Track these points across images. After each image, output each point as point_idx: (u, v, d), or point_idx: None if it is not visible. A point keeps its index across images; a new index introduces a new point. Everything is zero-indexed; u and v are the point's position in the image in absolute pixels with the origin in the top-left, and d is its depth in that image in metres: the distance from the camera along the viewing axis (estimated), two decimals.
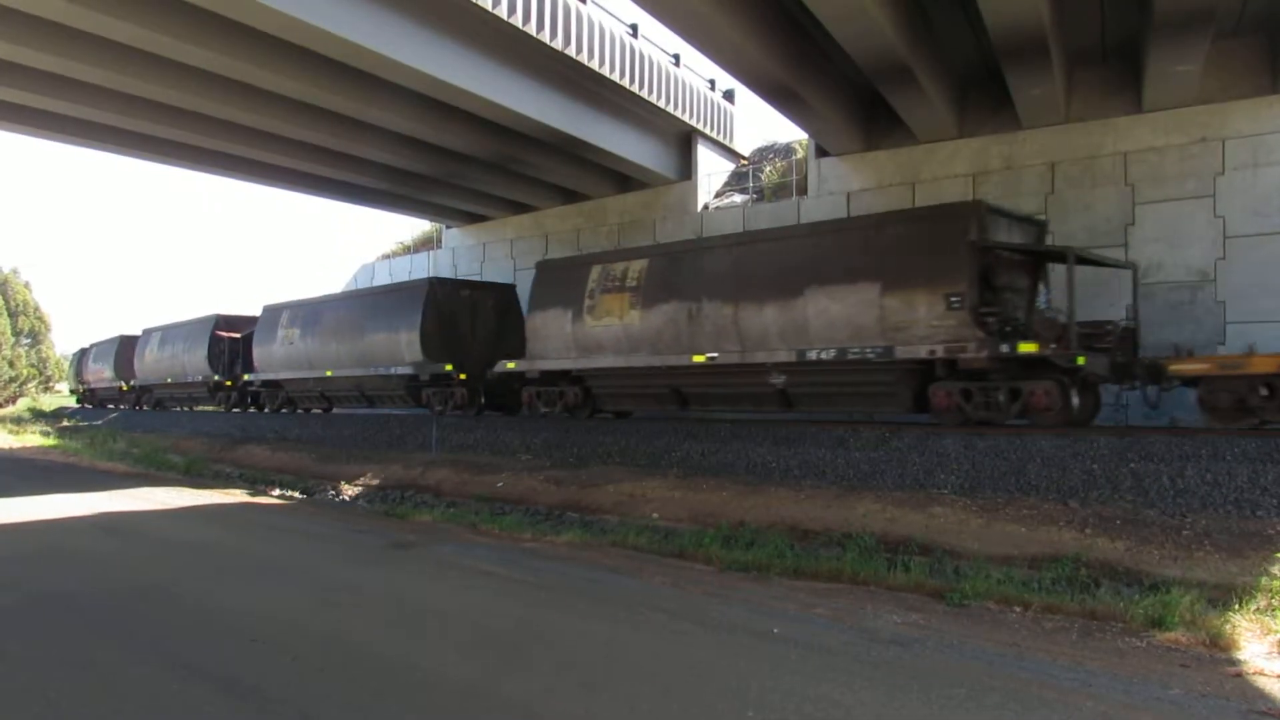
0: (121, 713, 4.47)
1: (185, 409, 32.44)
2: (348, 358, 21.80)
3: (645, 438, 14.50)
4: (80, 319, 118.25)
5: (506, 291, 21.77)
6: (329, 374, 22.36)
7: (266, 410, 26.63)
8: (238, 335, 27.83)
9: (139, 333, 34.34)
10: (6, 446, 25.54)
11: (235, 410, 28.65)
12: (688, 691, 4.74)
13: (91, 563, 8.64)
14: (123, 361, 35.25)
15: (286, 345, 24.05)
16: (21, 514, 11.61)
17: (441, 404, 20.23)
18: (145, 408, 34.93)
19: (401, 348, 20.04)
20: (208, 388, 29.09)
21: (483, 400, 19.79)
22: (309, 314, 23.70)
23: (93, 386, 39.76)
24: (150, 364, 32.30)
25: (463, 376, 19.24)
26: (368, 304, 21.99)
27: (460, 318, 20.32)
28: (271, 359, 24.74)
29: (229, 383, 27.84)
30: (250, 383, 26.48)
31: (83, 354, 41.49)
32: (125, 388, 35.47)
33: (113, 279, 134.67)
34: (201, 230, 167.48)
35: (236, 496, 14.21)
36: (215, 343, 28.19)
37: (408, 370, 20.03)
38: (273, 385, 25.62)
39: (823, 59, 16.35)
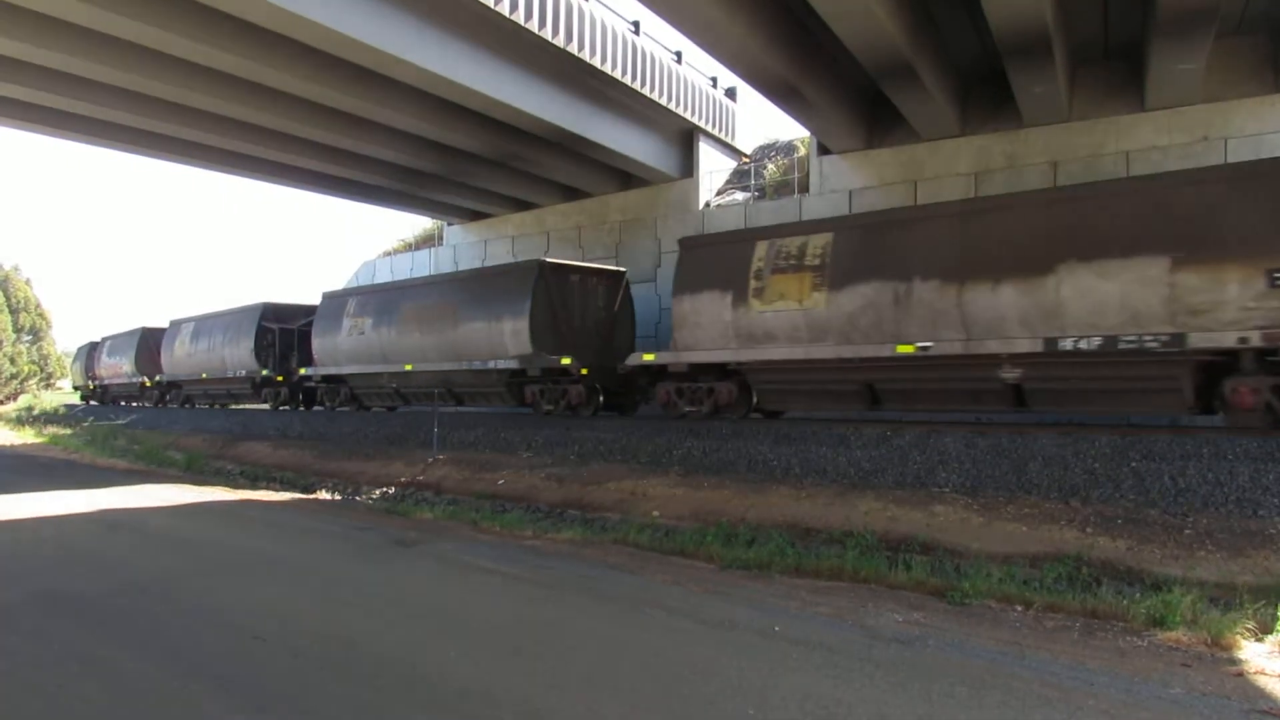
0: (122, 709, 4.48)
1: (216, 406, 30.40)
2: (434, 350, 19.51)
3: (646, 435, 14.50)
4: (81, 316, 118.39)
5: (616, 277, 19.47)
6: (408, 368, 20.18)
7: (327, 408, 24.42)
8: (291, 325, 25.78)
9: (165, 324, 32.30)
10: (7, 443, 25.56)
11: (284, 408, 26.55)
12: (689, 689, 4.73)
13: (92, 559, 8.64)
14: (145, 355, 33.15)
15: (355, 336, 21.62)
16: (22, 510, 11.62)
17: (552, 403, 18.04)
18: (172, 405, 32.51)
19: (504, 339, 17.82)
20: (252, 383, 26.53)
21: (601, 399, 17.91)
22: (383, 301, 21.25)
23: (106, 383, 37.57)
24: (181, 358, 29.93)
25: (584, 371, 17.07)
26: (461, 289, 19.48)
27: (571, 305, 18.04)
28: (335, 351, 22.43)
29: (280, 378, 25.57)
30: (307, 378, 24.22)
31: (93, 348, 39.38)
32: (148, 383, 33.10)
33: (112, 276, 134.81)
34: (201, 228, 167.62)
35: (237, 493, 14.22)
36: (263, 334, 25.80)
37: (510, 364, 17.85)
38: (334, 381, 23.46)
39: (825, 57, 16.33)
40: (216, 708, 4.48)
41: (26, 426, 33.24)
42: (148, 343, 33.27)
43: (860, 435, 12.44)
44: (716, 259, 15.20)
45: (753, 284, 14.41)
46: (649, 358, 16.00)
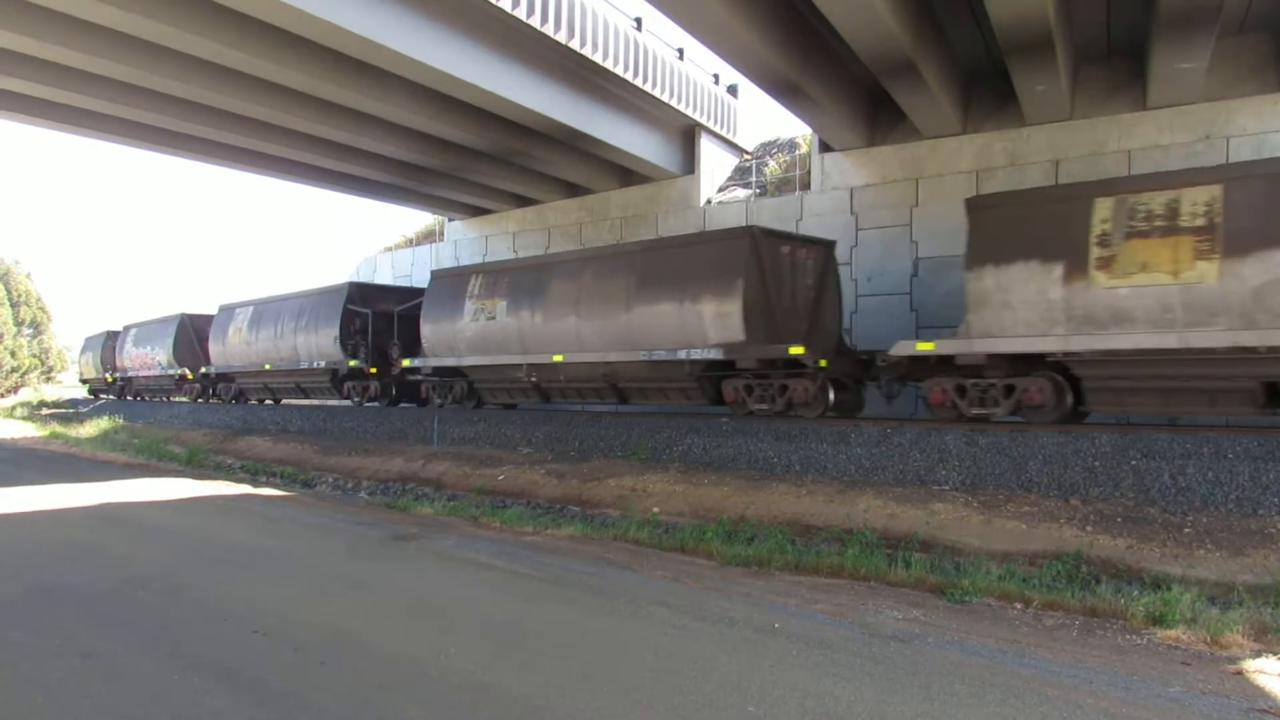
0: (123, 703, 4.48)
1: (271, 401, 27.41)
2: (595, 338, 16.38)
3: (647, 432, 14.50)
4: (81, 311, 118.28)
5: (826, 249, 15.90)
6: (557, 360, 17.00)
7: (440, 405, 20.71)
8: (386, 309, 22.52)
9: (214, 310, 28.59)
10: (8, 437, 25.59)
11: (372, 403, 22.89)
12: (689, 686, 4.74)
13: (93, 553, 8.65)
14: (186, 344, 29.58)
15: (481, 322, 18.49)
16: (23, 504, 11.63)
17: (765, 400, 14.63)
18: (220, 400, 28.99)
19: (703, 323, 14.67)
20: (332, 376, 23.09)
21: (832, 397, 14.47)
22: (523, 279, 18.11)
23: (130, 375, 33.58)
24: (236, 347, 26.20)
25: (823, 363, 13.93)
26: (638, 264, 16.07)
27: (783, 282, 14.76)
28: (453, 340, 19.18)
29: (373, 370, 22.10)
30: (411, 370, 20.88)
31: (110, 337, 35.75)
32: (189, 376, 29.40)
33: (111, 271, 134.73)
34: (199, 223, 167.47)
35: (238, 488, 14.23)
36: (350, 319, 22.15)
37: (710, 354, 14.72)
38: (449, 374, 20.28)
39: (827, 54, 16.31)
40: (217, 702, 4.49)
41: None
42: (189, 330, 29.81)
43: (860, 432, 12.44)
44: (1033, 221, 12.46)
45: (1095, 252, 11.56)
46: (925, 346, 13.03)
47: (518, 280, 18.11)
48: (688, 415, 16.32)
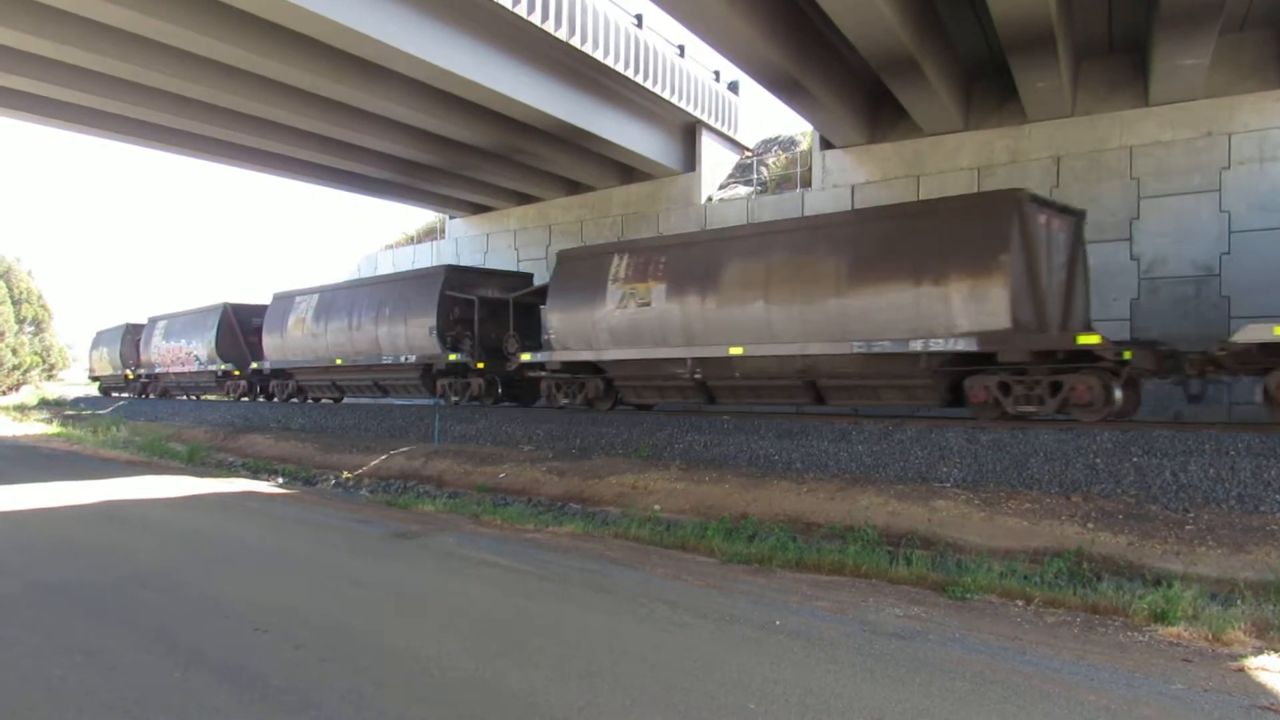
0: (124, 700, 4.48)
1: (324, 400, 24.92)
2: (790, 327, 13.91)
3: (648, 430, 14.49)
4: (82, 308, 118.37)
5: (1078, 221, 13.46)
6: (735, 352, 14.55)
7: (564, 406, 18.08)
8: (496, 296, 19.96)
9: (254, 298, 27.35)
10: (10, 434, 25.60)
11: (473, 402, 20.09)
12: (689, 683, 4.74)
13: (94, 551, 8.65)
14: (229, 337, 27.08)
15: (631, 309, 15.91)
16: (24, 502, 11.63)
17: (1033, 401, 12.13)
18: (273, 398, 26.50)
19: (951, 309, 12.31)
20: (424, 372, 20.64)
21: (1119, 398, 11.78)
22: (685, 261, 15.39)
23: (158, 371, 31.09)
24: (297, 340, 23.67)
25: (1126, 356, 11.48)
26: (855, 236, 13.55)
27: (1040, 258, 12.28)
28: (590, 331, 16.68)
29: (480, 364, 19.37)
30: (530, 366, 18.28)
31: (133, 330, 33.58)
32: (235, 373, 27.06)
33: (113, 269, 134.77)
34: (202, 221, 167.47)
35: (239, 485, 14.24)
36: (448, 307, 19.69)
37: (963, 345, 12.27)
38: (582, 369, 17.52)
39: (828, 51, 16.30)
40: (218, 699, 4.48)
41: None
42: (232, 321, 27.33)
43: (862, 430, 12.43)
44: None
45: None
46: None
47: (681, 260, 15.46)
48: (688, 413, 16.30)
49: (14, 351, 43.62)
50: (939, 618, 6.29)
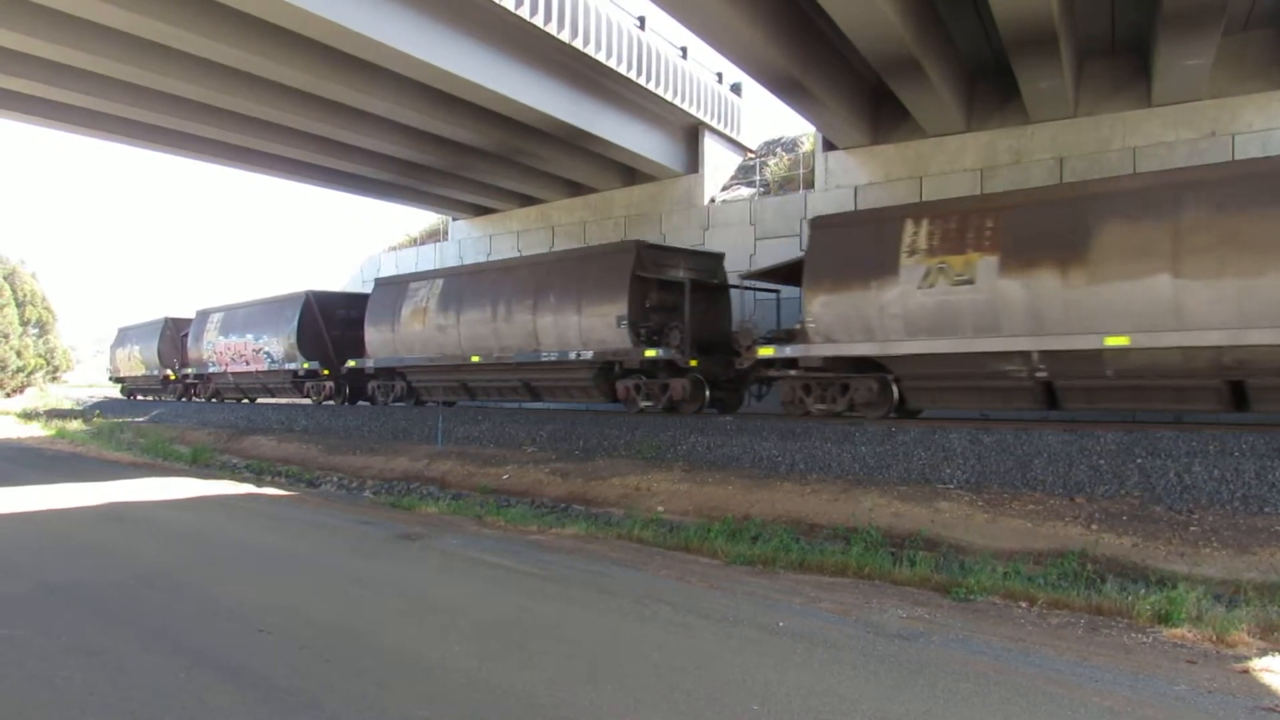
0: (129, 701, 4.49)
1: (462, 402, 21.61)
2: (1212, 307, 10.70)
3: (651, 431, 14.50)
4: (85, 311, 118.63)
5: None
6: (1115, 343, 11.36)
7: (819, 411, 14.54)
8: (710, 280, 17.24)
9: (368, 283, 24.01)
10: (15, 436, 25.66)
11: (669, 410, 16.56)
12: (693, 684, 4.74)
13: (99, 551, 8.67)
14: (311, 332, 23.69)
15: (940, 289, 12.66)
16: (30, 503, 11.65)
17: None
18: (372, 401, 23.23)
19: None
20: (602, 371, 17.20)
21: None
22: (1030, 221, 12.21)
23: (210, 371, 27.90)
24: (416, 334, 20.42)
25: None
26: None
27: None
28: (872, 319, 13.28)
29: (693, 362, 15.98)
30: (769, 363, 14.86)
31: (174, 325, 30.69)
32: (324, 372, 23.69)
33: (114, 271, 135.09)
34: (203, 223, 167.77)
35: (243, 487, 14.25)
36: (640, 292, 16.34)
37: None
38: (855, 366, 14.00)
39: (831, 52, 16.30)
40: (222, 700, 4.49)
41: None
42: (315, 313, 23.92)
43: (864, 431, 12.42)
44: None
45: None
46: None
47: (1025, 222, 12.28)
48: (691, 415, 16.26)
49: (18, 354, 43.68)
50: (942, 619, 6.28)
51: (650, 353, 16.11)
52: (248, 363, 25.82)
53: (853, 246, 13.80)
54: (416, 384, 21.68)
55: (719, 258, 18.15)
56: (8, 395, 42.75)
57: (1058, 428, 11.46)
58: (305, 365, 23.65)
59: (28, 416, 31.04)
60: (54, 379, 47.52)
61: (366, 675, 4.86)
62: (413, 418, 19.25)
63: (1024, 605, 6.75)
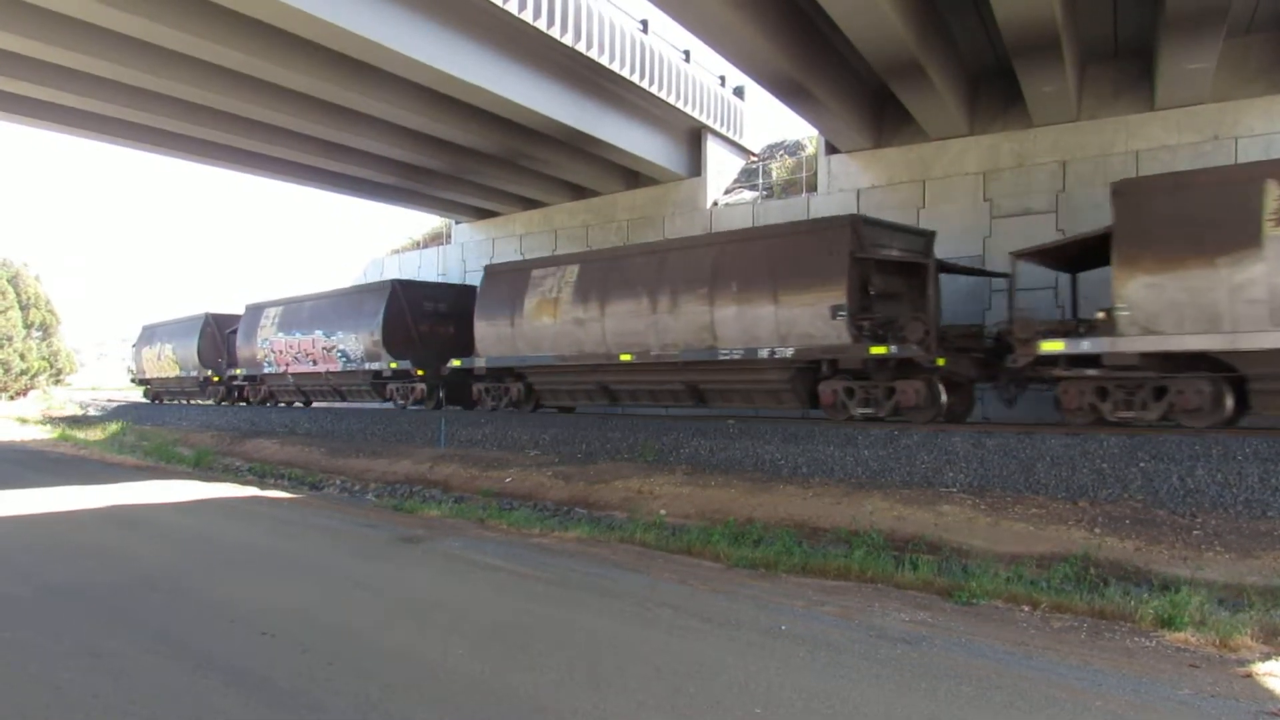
0: (131, 703, 4.50)
1: (594, 409, 18.83)
2: None
3: (653, 434, 14.50)
4: (88, 313, 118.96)
5: None
6: None
7: (1120, 420, 11.79)
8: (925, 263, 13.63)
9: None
10: (17, 439, 25.70)
11: (894, 417, 13.58)
12: (695, 687, 4.74)
13: (102, 554, 8.68)
14: (397, 327, 20.87)
15: None
16: (33, 505, 11.67)
17: None
18: (475, 405, 20.31)
19: None
20: (795, 373, 14.24)
21: None
22: None
23: (266, 372, 25.07)
24: (547, 329, 17.56)
25: None
26: None
27: None
28: (1226, 303, 10.59)
29: (940, 360, 12.89)
30: (1063, 360, 12.06)
31: (216, 322, 28.28)
32: (418, 372, 20.60)
33: (115, 272, 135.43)
34: (206, 226, 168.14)
35: (246, 490, 14.26)
36: (862, 276, 13.49)
37: None
38: (1188, 364, 11.20)
39: (834, 55, 16.31)
40: (225, 702, 4.50)
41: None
42: (401, 306, 21.21)
43: (867, 435, 12.42)
44: None
45: None
46: None
47: None
48: (694, 418, 16.27)
49: (21, 356, 43.77)
50: (945, 622, 6.28)
51: (879, 350, 13.11)
52: (315, 362, 22.92)
53: (1191, 213, 11.11)
54: (540, 386, 18.95)
55: (930, 236, 15.25)
56: (11, 398, 42.83)
57: (1060, 431, 11.45)
58: (393, 365, 20.71)
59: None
60: (57, 382, 47.59)
61: (369, 677, 4.86)
62: (415, 421, 19.25)
63: (1026, 609, 6.74)
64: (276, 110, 18.36)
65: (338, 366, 22.33)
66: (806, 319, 13.80)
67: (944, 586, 7.35)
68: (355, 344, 21.66)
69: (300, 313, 24.11)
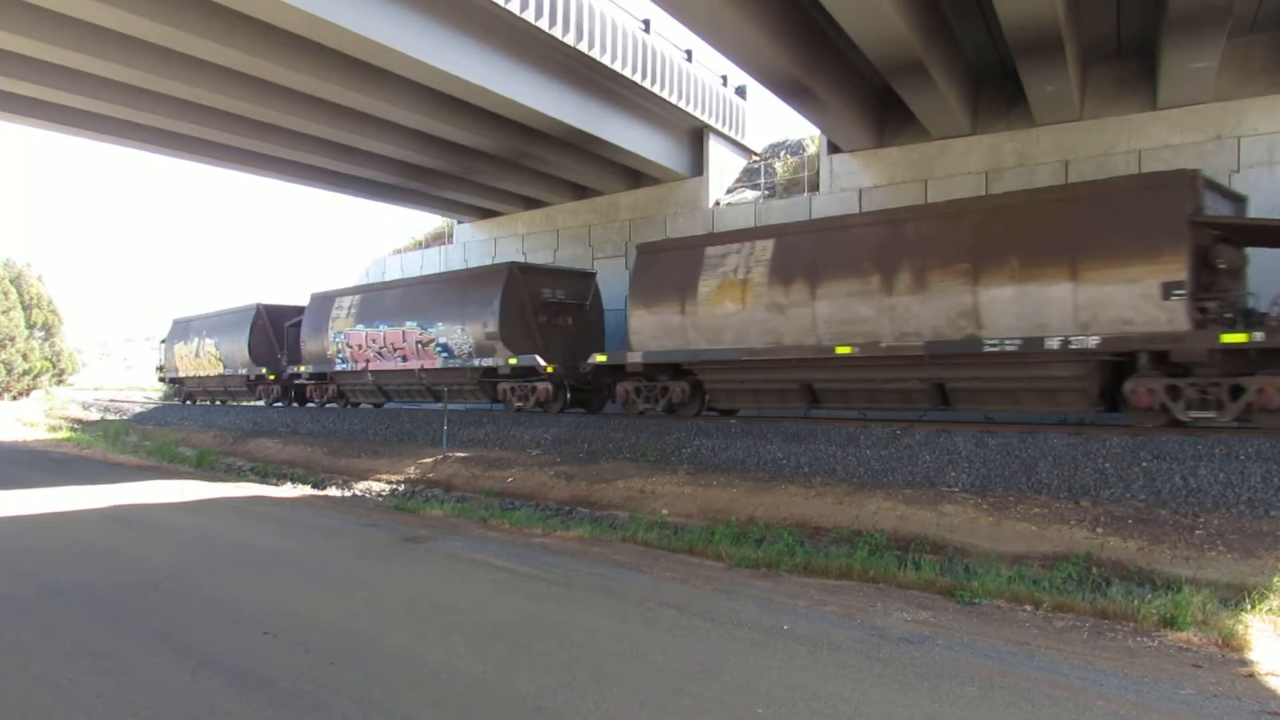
0: (133, 703, 4.50)
1: (788, 411, 15.39)
2: None
3: (655, 434, 14.50)
4: (90, 314, 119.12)
5: None
6: None
7: None
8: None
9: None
10: (21, 439, 25.73)
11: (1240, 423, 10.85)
12: (698, 687, 4.74)
13: (104, 554, 8.70)
14: (517, 316, 18.37)
15: None
16: (36, 505, 11.69)
17: None
18: (629, 407, 17.19)
19: None
20: (1101, 364, 11.70)
21: None
22: None
23: (338, 369, 22.53)
24: (731, 318, 14.87)
25: None
26: None
27: None
28: None
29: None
30: None
31: (270, 315, 25.65)
32: (548, 369, 17.79)
33: (115, 273, 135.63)
34: (209, 226, 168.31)
35: (248, 490, 14.28)
36: (1202, 248, 10.90)
37: None
38: None
39: (836, 55, 16.30)
40: (228, 702, 4.50)
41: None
42: (521, 294, 18.47)
43: (870, 434, 12.41)
44: None
45: None
46: None
47: None
48: (695, 417, 16.25)
49: (24, 356, 43.80)
50: (947, 622, 6.27)
51: (1233, 337, 10.38)
52: (405, 358, 20.30)
53: None
54: (713, 385, 16.04)
55: (1243, 200, 12.98)
56: (14, 398, 42.87)
57: (1062, 430, 11.43)
58: (513, 360, 18.08)
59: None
60: (60, 382, 47.62)
61: (372, 677, 4.87)
62: (418, 421, 19.25)
63: (1029, 609, 6.74)
64: (279, 110, 18.37)
65: (437, 363, 19.67)
66: (1123, 301, 11.15)
67: (946, 586, 7.35)
68: (461, 337, 19.01)
69: (385, 301, 21.31)
